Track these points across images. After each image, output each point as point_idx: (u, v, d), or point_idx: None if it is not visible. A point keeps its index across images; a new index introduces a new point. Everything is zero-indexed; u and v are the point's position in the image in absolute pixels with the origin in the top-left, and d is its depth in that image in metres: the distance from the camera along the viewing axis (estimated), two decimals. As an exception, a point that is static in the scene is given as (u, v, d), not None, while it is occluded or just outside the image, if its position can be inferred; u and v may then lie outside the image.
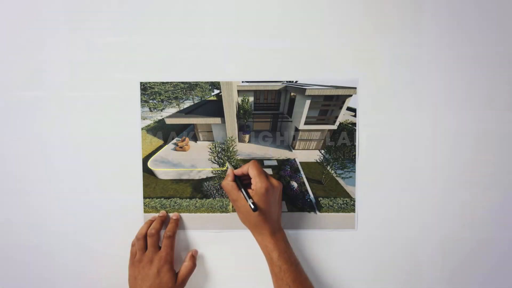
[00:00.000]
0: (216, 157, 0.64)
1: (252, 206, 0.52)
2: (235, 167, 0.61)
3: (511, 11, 0.61)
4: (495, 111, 0.62)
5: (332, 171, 0.64)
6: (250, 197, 0.54)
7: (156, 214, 0.63)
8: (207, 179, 0.64)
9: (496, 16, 0.61)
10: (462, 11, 0.61)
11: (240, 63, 0.62)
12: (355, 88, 0.62)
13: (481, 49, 0.61)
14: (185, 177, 0.64)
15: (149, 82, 0.62)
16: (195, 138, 0.65)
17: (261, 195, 0.53)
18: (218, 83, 0.63)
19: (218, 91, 0.63)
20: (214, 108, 0.64)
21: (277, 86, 0.63)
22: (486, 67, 0.61)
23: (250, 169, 0.55)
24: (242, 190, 0.55)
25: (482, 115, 0.62)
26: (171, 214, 0.63)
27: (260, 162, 0.65)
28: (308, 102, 0.63)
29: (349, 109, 0.63)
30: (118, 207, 0.63)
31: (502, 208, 0.63)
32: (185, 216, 0.64)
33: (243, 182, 0.57)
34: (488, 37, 0.61)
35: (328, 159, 0.64)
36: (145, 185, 0.63)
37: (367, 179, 0.63)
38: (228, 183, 0.56)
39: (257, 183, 0.54)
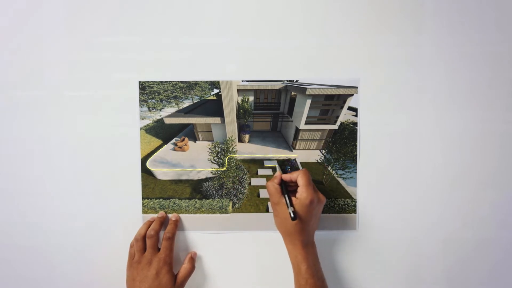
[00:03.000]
0: (215, 157, 0.62)
1: (292, 215, 0.50)
2: (284, 172, 0.58)
3: (513, 10, 0.59)
4: (496, 111, 0.60)
5: (333, 172, 0.62)
6: (292, 205, 0.51)
7: (155, 215, 0.61)
8: (207, 179, 0.62)
9: (498, 15, 0.59)
10: (464, 11, 0.59)
11: (240, 62, 0.60)
12: (356, 87, 0.60)
13: (482, 49, 0.60)
14: (184, 177, 0.62)
15: (148, 82, 0.60)
16: (194, 138, 0.63)
17: (304, 205, 0.51)
18: (218, 82, 0.60)
19: (217, 91, 0.61)
20: (214, 107, 0.61)
21: (278, 86, 0.61)
22: (487, 67, 0.60)
23: (300, 178, 0.53)
24: (286, 196, 0.52)
25: (484, 114, 0.60)
26: (170, 215, 0.61)
27: (260, 162, 0.62)
28: (308, 101, 0.61)
29: (350, 108, 0.61)
30: (117, 207, 0.61)
31: (503, 208, 0.61)
32: (184, 217, 0.62)
33: (288, 188, 0.55)
34: (490, 36, 0.59)
35: (329, 159, 0.62)
36: (144, 186, 0.61)
37: (368, 179, 0.61)
38: (273, 185, 0.54)
39: (303, 193, 0.51)
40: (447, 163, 0.60)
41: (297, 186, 0.53)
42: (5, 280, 0.61)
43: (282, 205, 0.52)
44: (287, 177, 0.54)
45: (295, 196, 0.53)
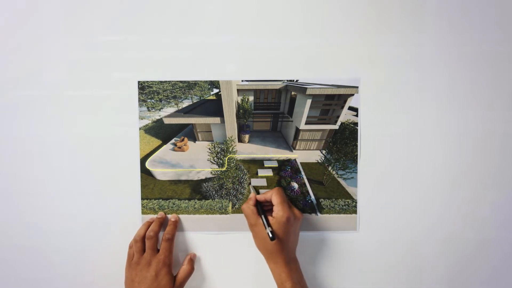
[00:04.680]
0: (215, 158, 0.61)
1: (270, 235, 0.49)
2: (257, 192, 0.59)
3: (515, 10, 0.58)
4: (498, 111, 0.59)
5: (334, 172, 0.60)
6: (269, 225, 0.51)
7: (154, 216, 0.60)
8: (206, 179, 0.61)
9: (499, 15, 0.58)
10: (465, 10, 0.58)
11: (240, 62, 0.59)
12: (357, 87, 0.59)
13: (484, 48, 0.58)
14: (183, 177, 0.61)
15: (147, 81, 0.59)
16: (194, 138, 0.61)
17: (281, 223, 0.51)
18: (218, 82, 0.59)
19: (217, 90, 0.59)
20: (214, 107, 0.60)
21: (278, 85, 0.59)
22: (489, 66, 0.58)
23: (274, 196, 0.52)
24: (262, 216, 0.52)
25: (485, 114, 0.59)
26: (169, 216, 0.60)
27: (260, 162, 0.61)
28: (309, 101, 0.59)
29: (350, 108, 0.60)
30: (116, 208, 0.60)
31: (504, 208, 0.60)
32: (183, 217, 0.60)
33: (264, 208, 0.54)
34: (491, 36, 0.58)
35: (329, 159, 0.60)
36: (143, 186, 0.60)
37: (369, 180, 0.60)
38: (248, 207, 0.54)
39: (279, 211, 0.51)
40: (447, 163, 0.59)
41: (272, 205, 0.53)
42: (5, 280, 0.60)
43: (260, 225, 0.52)
44: (261, 197, 0.54)
45: (271, 215, 0.52)
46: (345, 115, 0.60)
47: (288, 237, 0.51)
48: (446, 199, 0.59)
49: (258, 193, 0.58)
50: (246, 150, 0.61)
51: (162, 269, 0.53)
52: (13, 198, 0.59)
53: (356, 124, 0.59)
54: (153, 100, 0.59)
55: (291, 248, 0.53)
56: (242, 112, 0.60)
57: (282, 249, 0.51)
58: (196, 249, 0.60)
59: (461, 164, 0.59)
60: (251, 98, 0.60)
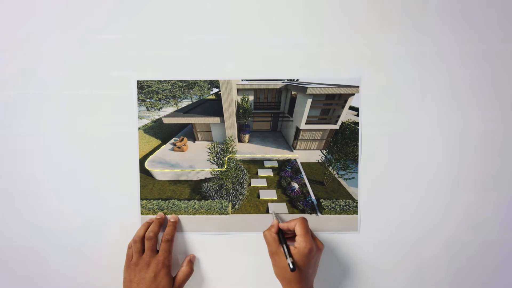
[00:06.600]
0: (215, 158, 0.60)
1: (291, 266, 0.48)
2: (280, 220, 0.58)
3: (517, 8, 0.58)
4: (500, 111, 0.58)
5: (334, 172, 0.60)
6: (290, 255, 0.50)
7: (154, 216, 0.59)
8: (206, 180, 0.60)
9: (500, 14, 0.58)
10: (467, 9, 0.57)
11: (239, 61, 0.58)
12: (358, 86, 0.58)
13: (486, 47, 0.58)
14: (183, 178, 0.60)
15: (146, 81, 0.58)
16: (193, 138, 0.61)
17: (303, 255, 0.50)
18: (217, 81, 0.58)
19: (217, 90, 0.59)
20: (213, 107, 0.59)
21: (278, 85, 0.59)
22: (491, 65, 0.58)
23: (298, 227, 0.51)
24: (284, 246, 0.51)
25: (487, 114, 0.58)
26: (169, 217, 0.59)
27: (260, 162, 0.60)
28: (309, 101, 0.59)
29: (351, 108, 0.59)
30: (114, 208, 0.59)
31: (507, 209, 0.59)
32: (183, 218, 0.60)
33: (285, 236, 0.54)
34: (493, 35, 0.58)
35: (330, 159, 0.59)
36: (142, 186, 0.59)
37: (370, 180, 0.59)
38: (270, 234, 0.53)
39: (301, 242, 0.50)
40: (450, 164, 0.58)
41: (293, 233, 0.52)
42: (3, 279, 0.60)
43: (280, 254, 0.51)
44: (284, 226, 0.53)
45: (292, 244, 0.51)
46: (345, 115, 0.59)
47: (308, 268, 0.50)
48: (447, 200, 0.59)
49: (280, 220, 0.57)
50: (246, 150, 0.60)
51: (161, 270, 0.53)
52: (12, 197, 0.59)
53: (357, 123, 0.58)
54: (152, 100, 0.58)
55: (309, 279, 0.52)
56: (242, 112, 0.60)
57: (300, 279, 0.50)
58: (196, 250, 0.59)
59: (464, 165, 0.58)
60: (251, 98, 0.59)
